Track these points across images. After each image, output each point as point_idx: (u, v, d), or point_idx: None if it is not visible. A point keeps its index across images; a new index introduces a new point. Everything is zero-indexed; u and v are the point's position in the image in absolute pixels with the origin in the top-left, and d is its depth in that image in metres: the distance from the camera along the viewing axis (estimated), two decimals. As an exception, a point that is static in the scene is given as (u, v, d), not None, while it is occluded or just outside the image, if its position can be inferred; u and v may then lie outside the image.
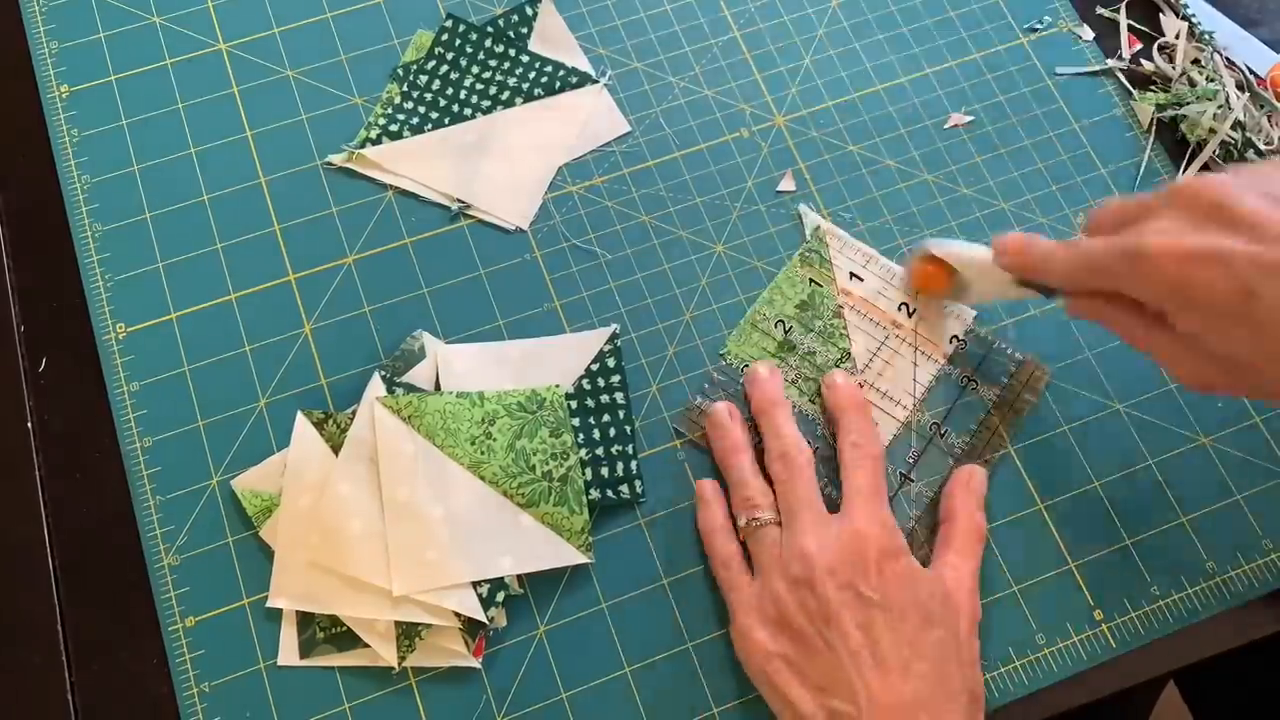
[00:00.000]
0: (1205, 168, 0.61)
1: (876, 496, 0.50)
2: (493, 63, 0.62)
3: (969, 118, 0.60)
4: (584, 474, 0.52)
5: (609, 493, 0.52)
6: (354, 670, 0.50)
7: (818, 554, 0.47)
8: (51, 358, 0.55)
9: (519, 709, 0.49)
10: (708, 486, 0.53)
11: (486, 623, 0.49)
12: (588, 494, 0.52)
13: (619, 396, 0.54)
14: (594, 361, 0.55)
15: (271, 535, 0.51)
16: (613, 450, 0.53)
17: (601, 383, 0.54)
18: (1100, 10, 0.66)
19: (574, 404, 0.54)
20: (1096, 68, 0.63)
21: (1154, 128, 0.62)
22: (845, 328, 0.56)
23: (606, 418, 0.54)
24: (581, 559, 0.51)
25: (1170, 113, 0.62)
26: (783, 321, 0.57)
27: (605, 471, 0.53)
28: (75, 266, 0.57)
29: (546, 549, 0.51)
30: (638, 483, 0.53)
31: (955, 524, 0.51)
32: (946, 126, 0.60)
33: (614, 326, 0.56)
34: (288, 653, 0.50)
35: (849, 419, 0.52)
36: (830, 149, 0.61)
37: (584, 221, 0.59)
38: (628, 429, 0.54)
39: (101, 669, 0.50)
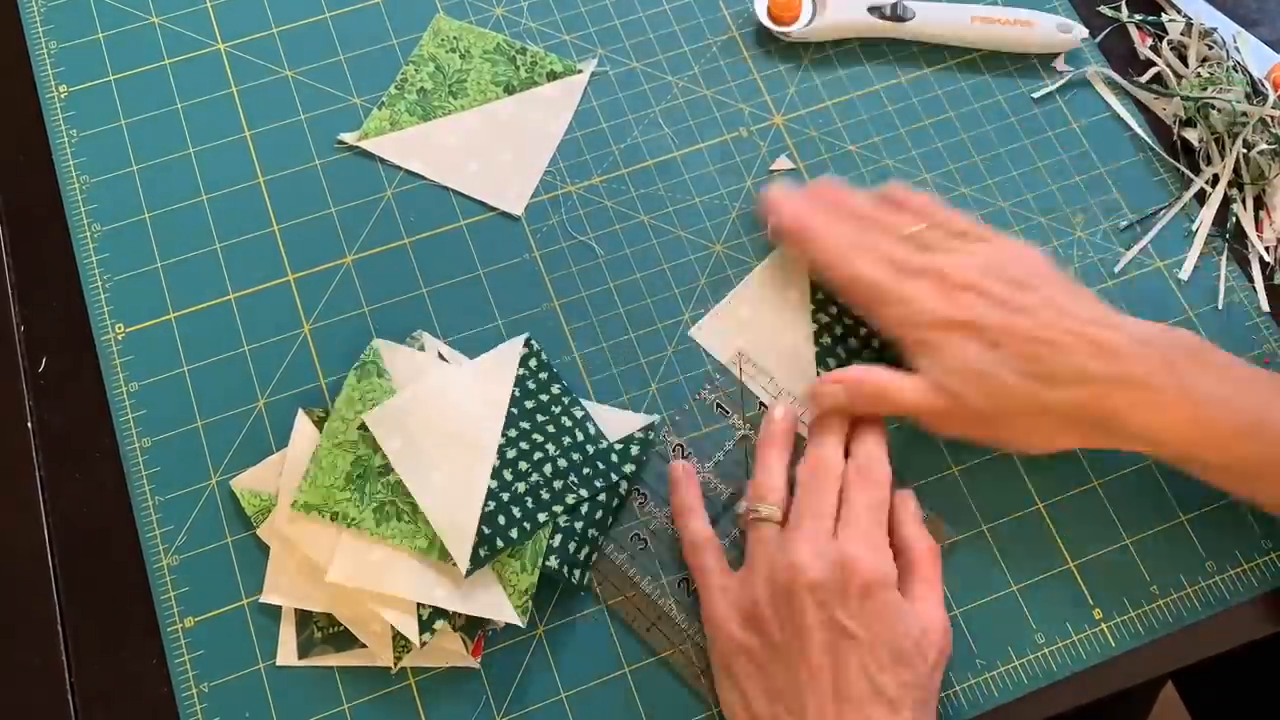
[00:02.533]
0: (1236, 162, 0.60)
1: (876, 523, 0.49)
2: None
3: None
4: (550, 538, 0.50)
5: (566, 570, 0.50)
6: (353, 670, 0.50)
7: (806, 568, 0.46)
8: (51, 358, 0.55)
9: (518, 709, 0.49)
10: (679, 468, 0.53)
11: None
12: (545, 560, 0.50)
13: (622, 488, 0.53)
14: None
15: (270, 535, 0.51)
16: (584, 530, 0.51)
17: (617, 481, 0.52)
18: (1101, 9, 0.65)
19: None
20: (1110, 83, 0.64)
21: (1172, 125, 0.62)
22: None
23: (598, 497, 0.52)
24: (514, 619, 0.48)
25: (1200, 102, 0.61)
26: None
27: (572, 548, 0.50)
28: (75, 266, 0.57)
29: (485, 597, 0.49)
30: (587, 574, 0.51)
31: (913, 552, 0.50)
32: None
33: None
34: (286, 653, 0.50)
35: (861, 439, 0.51)
36: (830, 149, 0.61)
37: (583, 221, 0.59)
38: (598, 514, 0.51)
39: (101, 669, 0.50)
